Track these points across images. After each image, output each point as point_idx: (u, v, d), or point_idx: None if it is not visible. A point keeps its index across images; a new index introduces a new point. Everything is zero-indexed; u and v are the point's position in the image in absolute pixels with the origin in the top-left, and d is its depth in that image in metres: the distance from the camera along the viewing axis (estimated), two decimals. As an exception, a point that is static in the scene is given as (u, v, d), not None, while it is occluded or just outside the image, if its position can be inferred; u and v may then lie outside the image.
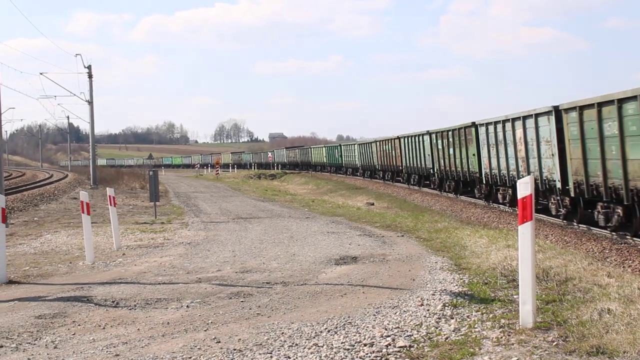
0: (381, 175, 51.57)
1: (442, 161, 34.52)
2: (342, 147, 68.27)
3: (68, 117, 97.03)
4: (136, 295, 9.93)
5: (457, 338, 7.14)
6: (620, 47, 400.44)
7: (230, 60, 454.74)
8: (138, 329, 7.91)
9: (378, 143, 51.45)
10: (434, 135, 35.90)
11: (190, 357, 6.74)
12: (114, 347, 7.21)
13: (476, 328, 7.46)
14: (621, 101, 15.54)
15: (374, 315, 8.23)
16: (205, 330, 7.75)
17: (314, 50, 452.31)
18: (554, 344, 6.72)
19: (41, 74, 46.99)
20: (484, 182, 28.32)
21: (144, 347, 7.16)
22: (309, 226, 19.49)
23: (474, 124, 29.05)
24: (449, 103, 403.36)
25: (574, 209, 19.81)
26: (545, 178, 21.33)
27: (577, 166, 18.53)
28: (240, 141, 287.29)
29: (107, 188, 17.97)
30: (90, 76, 48.49)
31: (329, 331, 7.54)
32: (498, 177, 26.16)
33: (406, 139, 42.48)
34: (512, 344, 6.79)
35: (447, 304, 8.61)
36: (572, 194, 19.12)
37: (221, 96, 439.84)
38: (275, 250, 14.49)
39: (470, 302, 8.70)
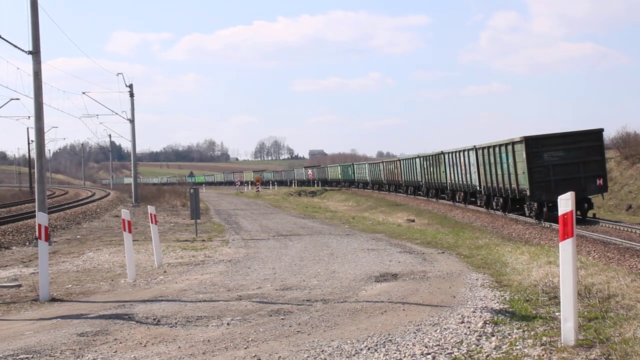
0: (387, 188, 64.31)
1: (427, 176, 48.41)
2: (355, 165, 79.72)
3: (110, 136, 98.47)
4: (177, 313, 10.00)
5: (498, 356, 7.08)
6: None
7: (270, 78, 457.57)
8: (179, 347, 7.96)
9: (384, 163, 65.88)
10: (422, 158, 49.56)
11: (230, 375, 6.76)
12: (155, 364, 7.26)
13: (517, 346, 7.39)
14: (495, 147, 31.64)
15: (415, 332, 8.19)
16: (245, 348, 7.78)
17: (354, 68, 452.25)
18: (597, 362, 6.63)
19: (84, 93, 48.04)
20: (449, 189, 43.23)
21: (184, 365, 7.20)
22: (349, 243, 19.48)
23: (442, 152, 43.33)
24: (489, 119, 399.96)
25: (488, 200, 34.94)
26: (473, 184, 36.64)
27: (483, 178, 34.40)
28: (281, 158, 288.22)
29: (149, 206, 18.15)
30: (131, 95, 49.19)
31: (369, 349, 7.53)
32: (455, 186, 41.06)
33: (404, 161, 56.17)
34: (554, 362, 6.72)
35: (488, 321, 8.55)
36: (483, 193, 35.06)
37: (261, 114, 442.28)
38: (315, 268, 14.50)
39: (512, 320, 8.62)
